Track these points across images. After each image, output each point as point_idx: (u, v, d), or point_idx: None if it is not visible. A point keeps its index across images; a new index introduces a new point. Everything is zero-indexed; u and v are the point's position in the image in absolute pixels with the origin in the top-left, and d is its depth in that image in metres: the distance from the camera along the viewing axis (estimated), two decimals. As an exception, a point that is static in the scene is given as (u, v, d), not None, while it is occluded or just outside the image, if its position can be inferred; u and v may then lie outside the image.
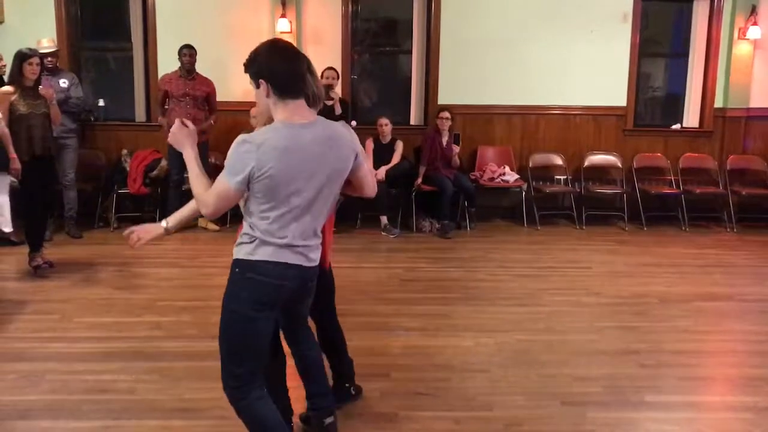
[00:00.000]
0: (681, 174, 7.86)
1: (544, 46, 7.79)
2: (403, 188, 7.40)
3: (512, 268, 5.94)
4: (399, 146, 7.43)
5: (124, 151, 7.42)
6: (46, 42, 6.63)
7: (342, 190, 2.70)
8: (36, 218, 5.61)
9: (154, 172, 7.27)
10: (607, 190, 7.84)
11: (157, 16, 7.57)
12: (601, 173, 7.99)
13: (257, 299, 2.44)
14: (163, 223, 2.74)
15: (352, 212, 7.48)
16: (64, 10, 7.52)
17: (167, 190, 7.17)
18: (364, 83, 8.31)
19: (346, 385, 3.37)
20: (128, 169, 7.28)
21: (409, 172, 7.37)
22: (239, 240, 2.48)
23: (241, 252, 2.45)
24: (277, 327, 2.85)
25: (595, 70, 7.84)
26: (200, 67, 7.10)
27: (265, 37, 7.47)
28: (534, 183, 7.82)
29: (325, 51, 7.68)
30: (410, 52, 7.91)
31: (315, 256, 2.52)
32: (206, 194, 2.40)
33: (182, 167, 7.02)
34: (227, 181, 2.34)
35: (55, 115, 5.53)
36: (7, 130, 5.31)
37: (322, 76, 7.03)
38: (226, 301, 2.48)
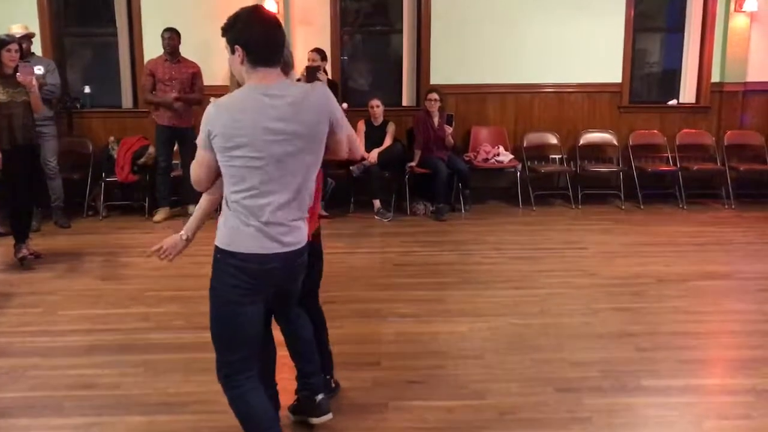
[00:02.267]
0: (678, 151, 7.73)
1: (536, 22, 7.64)
2: (396, 171, 7.28)
3: (507, 251, 5.85)
4: (391, 128, 7.31)
5: (111, 139, 7.29)
6: (17, 28, 6.45)
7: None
8: (20, 209, 5.50)
9: (142, 159, 7.15)
10: (603, 169, 7.73)
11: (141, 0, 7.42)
12: (596, 151, 7.87)
13: (240, 284, 2.36)
14: (183, 235, 2.66)
15: (345, 196, 7.38)
16: (46, -5, 7.37)
17: (155, 177, 7.04)
18: (354, 64, 8.17)
19: (327, 377, 3.25)
20: (116, 156, 7.15)
21: (402, 155, 7.25)
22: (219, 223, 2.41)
23: (218, 237, 2.39)
24: (269, 316, 2.76)
25: (589, 47, 7.68)
26: (186, 50, 6.95)
27: (251, 19, 7.42)
28: (529, 163, 7.69)
29: (313, 32, 7.54)
30: (401, 31, 7.75)
31: (293, 239, 2.41)
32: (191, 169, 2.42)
33: (170, 154, 6.94)
34: (198, 146, 2.35)
35: (35, 103, 5.39)
36: None
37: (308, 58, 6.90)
38: (212, 288, 2.41)
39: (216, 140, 2.27)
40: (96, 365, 3.66)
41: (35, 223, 6.56)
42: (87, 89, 7.62)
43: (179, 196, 7.19)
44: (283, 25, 2.46)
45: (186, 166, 7.01)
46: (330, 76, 7.30)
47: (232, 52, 2.34)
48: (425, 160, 7.18)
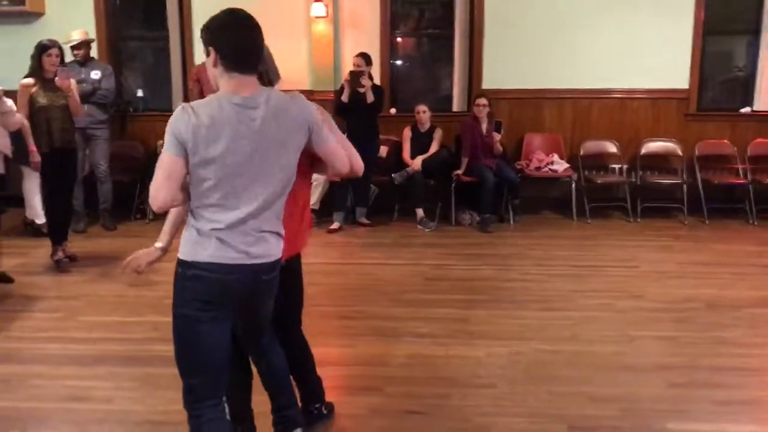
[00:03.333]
0: (749, 162, 7.15)
1: (597, 25, 7.23)
2: (441, 179, 7.02)
3: (550, 267, 5.51)
4: (438, 134, 7.05)
5: (160, 142, 7.26)
6: (77, 34, 6.60)
7: (314, 169, 2.61)
8: (57, 211, 5.57)
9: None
10: (666, 180, 7.23)
11: (193, 4, 7.45)
12: (659, 162, 7.37)
13: (200, 297, 2.21)
14: (158, 244, 2.53)
15: (389, 204, 7.18)
16: (103, 0, 7.49)
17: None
18: (404, 69, 7.95)
19: (316, 405, 3.06)
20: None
21: (448, 162, 6.98)
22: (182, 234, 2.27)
23: (181, 248, 2.24)
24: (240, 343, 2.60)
25: (654, 50, 7.20)
26: (233, 56, 6.91)
27: (300, 23, 7.34)
28: (585, 173, 7.28)
29: (362, 35, 7.40)
30: (452, 35, 7.48)
31: (260, 250, 2.24)
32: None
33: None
34: (164, 152, 2.15)
35: (74, 107, 5.44)
36: (26, 123, 5.29)
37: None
38: (173, 306, 2.26)
39: (191, 147, 2.10)
40: (96, 377, 3.60)
41: (82, 224, 6.69)
42: (140, 93, 7.71)
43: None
44: (261, 28, 2.28)
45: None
46: (379, 81, 7.15)
47: (207, 54, 2.23)
48: (472, 168, 6.89)
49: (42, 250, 5.94)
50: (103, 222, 6.87)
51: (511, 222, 6.98)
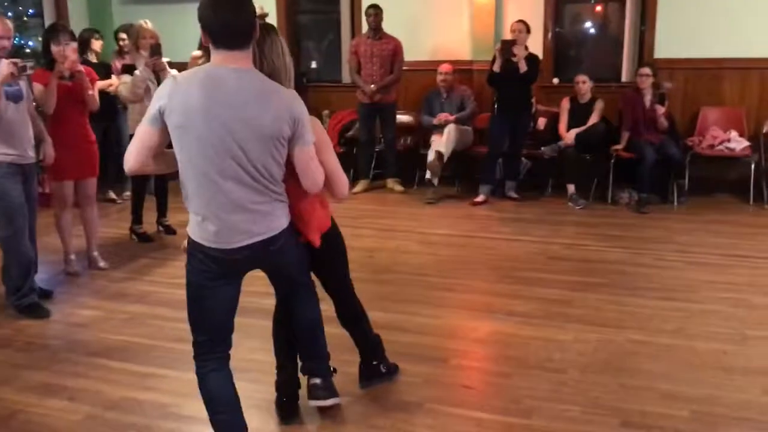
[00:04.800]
0: None
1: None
2: (599, 154, 6.64)
3: (692, 254, 5.03)
4: (598, 106, 6.66)
5: (325, 112, 7.75)
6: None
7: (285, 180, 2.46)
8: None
9: (350, 133, 7.50)
10: None
11: (362, -23, 7.70)
12: None
13: (204, 271, 2.41)
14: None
15: (542, 179, 6.97)
16: (282, -23, 8.02)
17: (357, 151, 7.35)
18: (569, 37, 7.57)
19: (374, 363, 3.16)
20: (326, 128, 7.59)
21: (606, 136, 6.58)
22: None
23: (188, 225, 2.43)
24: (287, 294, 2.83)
25: None
26: (392, 26, 7.07)
27: (460, -5, 7.28)
28: (769, 153, 6.49)
29: (526, 2, 7.18)
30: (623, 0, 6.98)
31: (258, 228, 2.36)
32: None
33: (371, 129, 7.17)
34: (143, 121, 2.31)
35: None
36: None
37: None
38: (186, 270, 2.48)
39: (169, 121, 2.25)
40: None
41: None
42: (314, 64, 8.17)
43: (381, 169, 7.43)
44: (252, 6, 2.32)
45: (387, 141, 7.20)
46: (541, 50, 6.94)
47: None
48: (632, 143, 6.45)
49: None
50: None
51: (675, 204, 6.44)
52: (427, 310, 4.10)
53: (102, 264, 4.97)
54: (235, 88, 2.25)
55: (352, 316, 3.12)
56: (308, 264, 2.81)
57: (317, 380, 2.89)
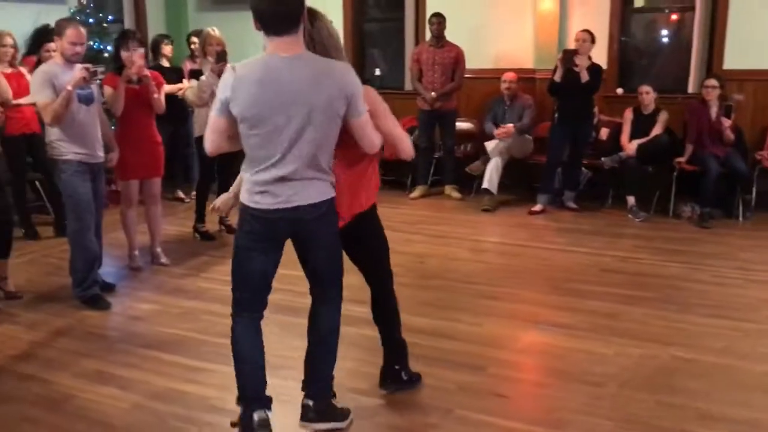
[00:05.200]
0: None
1: None
2: (661, 166, 6.49)
3: (754, 272, 4.88)
4: (662, 117, 6.51)
5: (388, 119, 7.82)
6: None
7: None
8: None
9: (410, 139, 7.54)
10: None
11: (429, -14, 7.76)
12: None
13: (252, 231, 2.65)
14: (231, 193, 3.16)
15: (603, 189, 6.87)
16: (353, -15, 8.17)
17: (416, 157, 7.39)
18: (635, 46, 7.42)
19: (396, 367, 3.20)
20: (386, 134, 7.68)
21: (668, 148, 6.42)
22: None
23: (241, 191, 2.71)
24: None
25: None
26: (457, 35, 7.11)
27: (527, 2, 7.24)
28: None
29: (591, 12, 7.09)
30: (693, 8, 6.79)
31: (299, 198, 2.57)
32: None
33: (431, 136, 7.23)
34: (212, 112, 2.58)
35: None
36: None
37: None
38: (235, 234, 2.80)
39: (236, 110, 2.50)
40: None
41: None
42: (377, 71, 8.28)
43: (439, 176, 7.48)
44: None
45: (447, 147, 7.24)
46: (605, 59, 6.87)
47: None
48: (696, 156, 6.28)
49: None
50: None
51: (741, 219, 6.24)
52: (471, 318, 4.12)
53: (164, 260, 5.19)
54: (288, 78, 2.47)
55: (385, 311, 3.14)
56: (340, 267, 2.85)
57: (309, 402, 2.88)
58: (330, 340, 2.90)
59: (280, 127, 2.48)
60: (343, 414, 2.96)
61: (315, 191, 2.61)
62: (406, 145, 2.83)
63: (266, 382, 2.80)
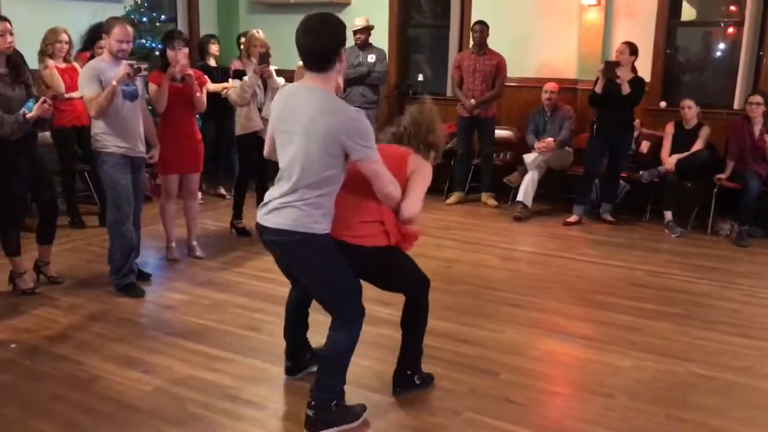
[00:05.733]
0: None
1: None
2: (701, 182, 6.41)
3: (787, 293, 4.80)
4: (704, 132, 6.42)
5: (426, 124, 7.88)
6: (359, 20, 7.36)
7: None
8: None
9: (449, 145, 7.61)
10: None
11: (475, -5, 7.80)
12: None
13: None
14: None
15: (642, 203, 6.80)
16: (399, -9, 8.27)
17: (454, 163, 7.45)
18: (680, 60, 7.33)
19: (408, 372, 3.26)
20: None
21: (709, 164, 6.34)
22: None
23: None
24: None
25: None
26: (499, 43, 7.13)
27: (572, 12, 7.23)
28: None
29: (636, 24, 7.04)
30: (742, 23, 6.68)
31: (275, 218, 2.74)
32: None
33: (469, 143, 7.28)
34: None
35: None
36: None
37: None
38: None
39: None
40: (274, 314, 4.08)
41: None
42: (420, 77, 8.34)
43: (477, 182, 7.51)
44: (333, 33, 2.69)
45: (485, 155, 7.27)
46: (649, 72, 6.82)
47: None
48: (737, 173, 6.18)
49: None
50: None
51: (781, 238, 6.13)
52: (491, 324, 4.16)
53: (199, 253, 5.36)
54: (303, 103, 2.68)
55: (413, 318, 3.19)
56: (334, 298, 2.90)
57: (309, 412, 2.91)
58: (332, 362, 2.95)
59: (285, 147, 2.75)
60: (352, 414, 3.00)
61: (288, 218, 2.71)
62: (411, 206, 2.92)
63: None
